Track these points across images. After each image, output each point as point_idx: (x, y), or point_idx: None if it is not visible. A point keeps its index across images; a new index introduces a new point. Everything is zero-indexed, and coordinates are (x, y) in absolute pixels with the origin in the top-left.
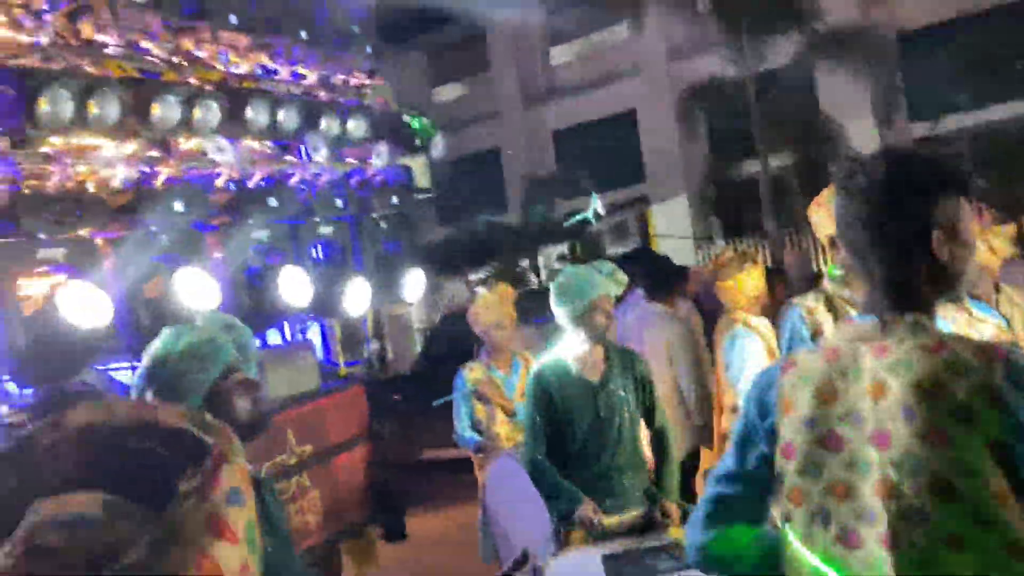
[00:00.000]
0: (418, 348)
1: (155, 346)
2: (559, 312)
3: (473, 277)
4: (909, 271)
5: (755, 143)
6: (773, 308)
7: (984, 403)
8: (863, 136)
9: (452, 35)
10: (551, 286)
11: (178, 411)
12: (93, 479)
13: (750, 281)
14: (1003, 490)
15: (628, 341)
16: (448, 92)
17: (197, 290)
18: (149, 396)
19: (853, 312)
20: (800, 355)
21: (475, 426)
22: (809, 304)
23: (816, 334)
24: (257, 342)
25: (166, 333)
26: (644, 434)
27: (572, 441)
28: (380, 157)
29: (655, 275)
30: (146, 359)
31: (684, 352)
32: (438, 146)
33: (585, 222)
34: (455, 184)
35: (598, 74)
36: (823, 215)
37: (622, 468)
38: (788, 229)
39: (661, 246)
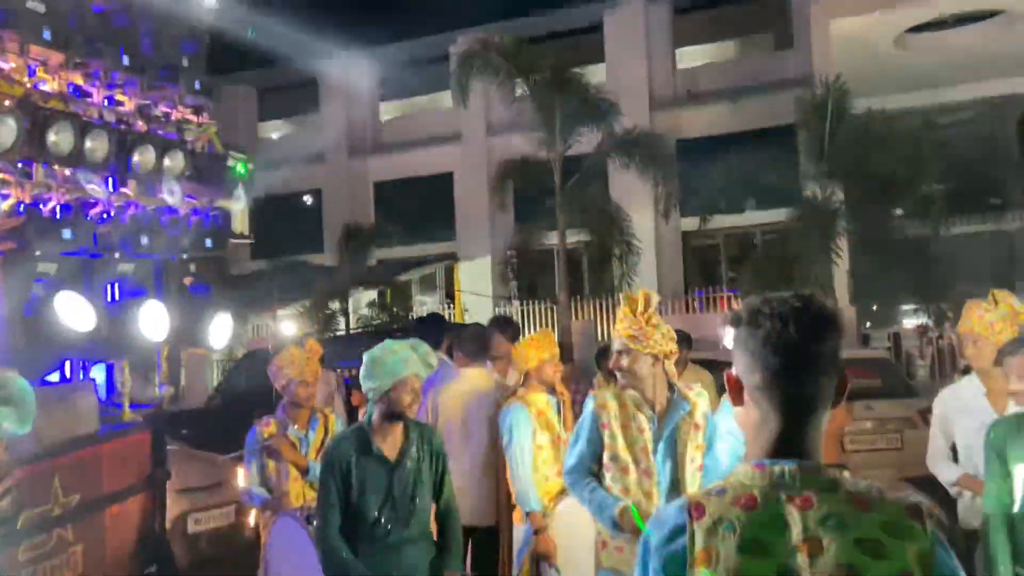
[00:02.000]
0: (214, 381)
1: None
2: (366, 384)
3: (281, 313)
4: (820, 417)
5: (556, 218)
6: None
7: (921, 566)
8: (644, 225)
9: (285, 74)
10: (365, 357)
11: None
12: None
13: (527, 350)
14: None
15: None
16: (275, 129)
17: None
18: None
19: (641, 415)
20: (708, 500)
21: (264, 483)
22: (603, 400)
23: (601, 428)
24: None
25: None
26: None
27: (364, 516)
28: (197, 196)
29: (474, 340)
30: None
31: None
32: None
33: None
34: (273, 220)
35: (422, 135)
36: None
37: (411, 541)
38: (576, 297)
39: (464, 301)
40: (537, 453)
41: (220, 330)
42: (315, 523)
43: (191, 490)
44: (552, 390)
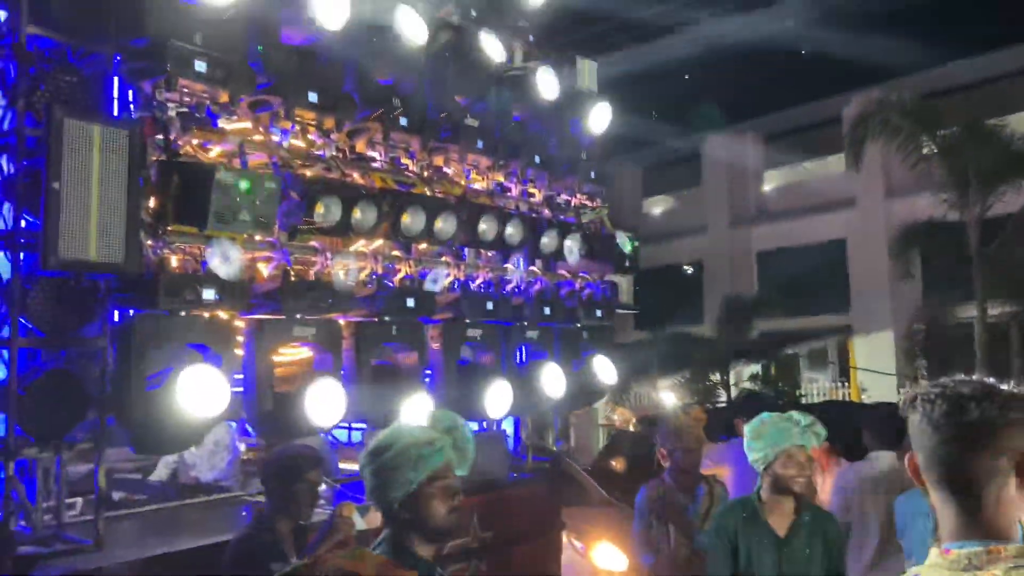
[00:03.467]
0: (600, 444)
1: (380, 436)
2: (751, 456)
3: (662, 383)
4: (994, 495)
5: (974, 288)
6: None
7: None
8: None
9: (668, 151)
10: (746, 429)
11: None
12: None
13: None
14: None
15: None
16: (658, 204)
17: (414, 405)
18: (366, 479)
19: None
20: None
21: (651, 544)
22: None
23: None
24: (473, 439)
25: (394, 427)
26: None
27: None
28: (590, 272)
29: (883, 423)
30: (371, 444)
31: None
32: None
33: None
34: (655, 291)
35: (809, 201)
36: None
37: None
38: (1002, 380)
39: (860, 378)
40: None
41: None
42: None
43: None
44: None
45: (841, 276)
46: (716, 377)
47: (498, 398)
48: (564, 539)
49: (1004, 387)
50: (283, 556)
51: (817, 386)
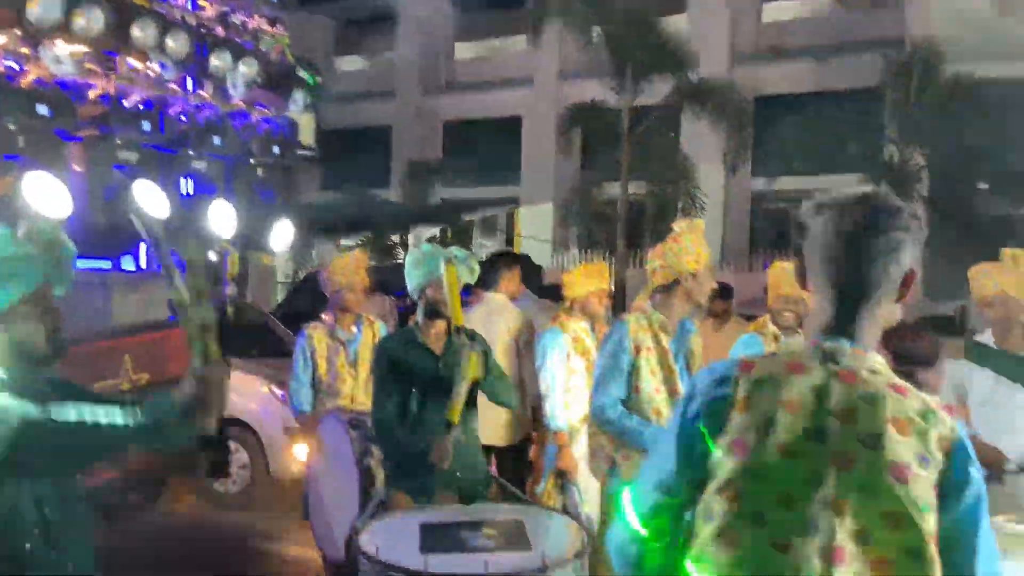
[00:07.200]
0: (279, 300)
1: None
2: (410, 284)
3: (345, 243)
4: (874, 305)
5: (620, 168)
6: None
7: (943, 453)
8: (713, 181)
9: (363, 10)
10: (406, 259)
11: None
12: None
13: (577, 279)
14: (934, 531)
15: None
16: (350, 63)
17: (47, 196)
18: None
19: (664, 336)
20: (759, 360)
21: (314, 384)
22: (633, 323)
23: (636, 349)
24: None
25: None
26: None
27: (412, 399)
28: (268, 105)
29: (489, 269)
30: None
31: (525, 342)
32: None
33: None
34: (343, 152)
35: (494, 77)
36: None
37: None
38: (635, 249)
39: (523, 245)
40: (569, 377)
41: (282, 235)
42: (372, 411)
43: None
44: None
45: (515, 150)
46: (396, 238)
47: (152, 218)
48: (265, 389)
49: (904, 206)
50: None
51: (487, 251)
